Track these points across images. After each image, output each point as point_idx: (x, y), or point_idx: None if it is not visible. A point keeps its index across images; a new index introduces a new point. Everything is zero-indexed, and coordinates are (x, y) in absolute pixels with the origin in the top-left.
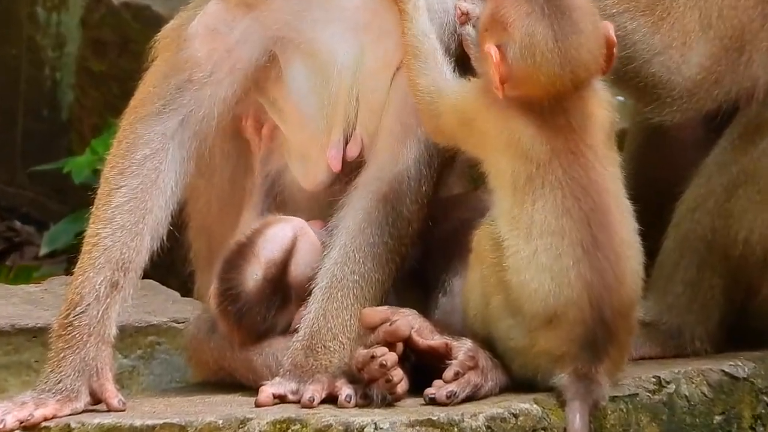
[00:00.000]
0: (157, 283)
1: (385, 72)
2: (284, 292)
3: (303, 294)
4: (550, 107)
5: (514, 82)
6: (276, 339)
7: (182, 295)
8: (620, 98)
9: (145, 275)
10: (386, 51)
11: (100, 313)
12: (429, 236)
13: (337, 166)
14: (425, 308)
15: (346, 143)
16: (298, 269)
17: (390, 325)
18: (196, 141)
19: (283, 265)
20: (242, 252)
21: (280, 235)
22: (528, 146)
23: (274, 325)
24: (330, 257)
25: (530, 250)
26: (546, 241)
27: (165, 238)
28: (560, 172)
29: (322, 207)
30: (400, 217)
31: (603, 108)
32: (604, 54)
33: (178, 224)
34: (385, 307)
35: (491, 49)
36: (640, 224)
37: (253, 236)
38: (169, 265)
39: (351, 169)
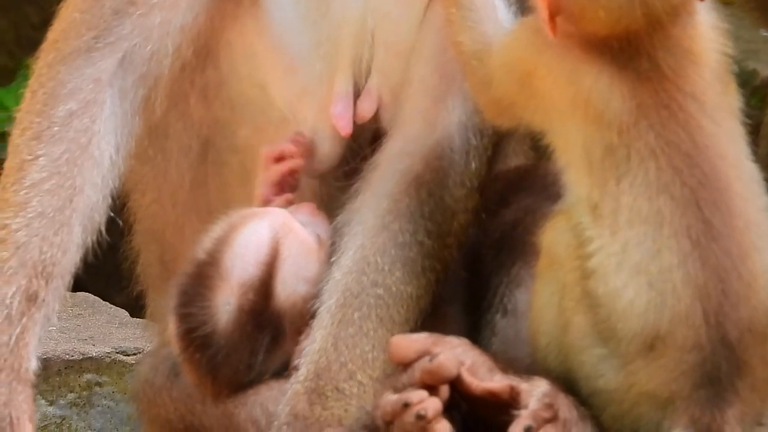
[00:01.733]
0: (96, 298)
1: None
2: (273, 323)
3: (303, 320)
4: (627, 48)
5: (569, 19)
6: (266, 384)
7: (132, 315)
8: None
9: (79, 286)
10: None
11: (13, 339)
12: (481, 233)
13: (346, 128)
14: (479, 335)
15: (357, 99)
16: (286, 287)
17: (431, 360)
18: (143, 89)
19: (264, 286)
20: (204, 275)
21: (253, 241)
22: (602, 104)
23: (264, 371)
24: (341, 265)
25: (618, 243)
26: (639, 231)
27: (104, 230)
28: (651, 137)
29: (328, 195)
30: (440, 207)
31: (707, 40)
32: None
33: (123, 209)
34: (424, 335)
35: None
36: None
37: (215, 250)
38: (112, 272)
39: (368, 138)
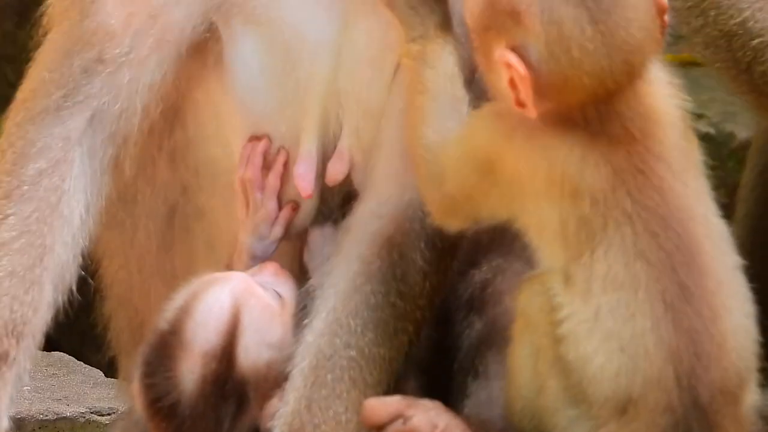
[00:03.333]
0: (71, 358)
1: (383, 58)
2: (237, 391)
3: (268, 385)
4: (599, 114)
5: (547, 94)
6: None
7: (106, 375)
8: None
9: (52, 345)
10: (385, 26)
11: None
12: (451, 293)
13: (307, 188)
14: (452, 398)
15: (326, 161)
16: (249, 354)
17: (404, 422)
18: (112, 148)
19: (226, 355)
20: (167, 345)
21: (214, 310)
22: (577, 176)
23: None
24: (314, 327)
25: (590, 310)
26: (612, 297)
27: (75, 289)
28: (628, 203)
29: (300, 263)
30: (412, 269)
31: (666, 96)
32: (659, 25)
33: (95, 269)
34: (397, 397)
35: (506, 55)
36: (760, 265)
37: (177, 320)
38: (85, 331)
39: (338, 200)
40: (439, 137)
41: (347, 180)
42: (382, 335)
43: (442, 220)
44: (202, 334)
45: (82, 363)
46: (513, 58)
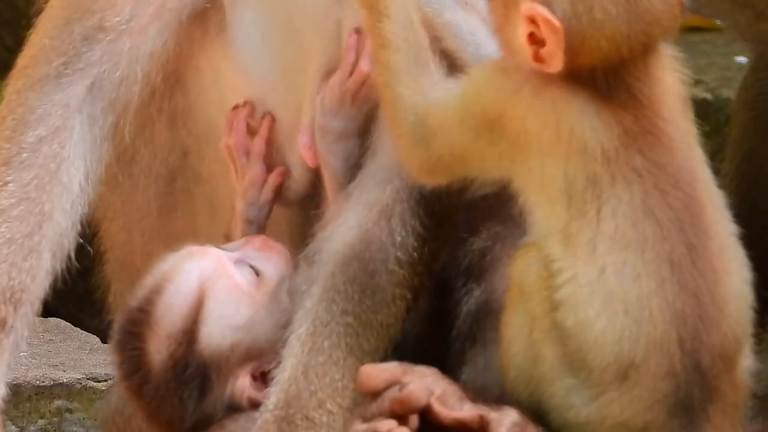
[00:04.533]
0: (68, 324)
1: None
2: (199, 374)
3: (230, 367)
4: (607, 79)
5: (566, 51)
6: (232, 417)
7: (103, 341)
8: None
9: (49, 311)
10: None
11: None
12: (450, 261)
13: (313, 158)
14: (449, 364)
15: None
16: (212, 338)
17: (400, 389)
18: (112, 116)
19: (189, 338)
20: (136, 322)
21: (182, 291)
22: (587, 133)
23: (209, 415)
24: (311, 293)
25: (593, 272)
26: (617, 257)
27: (73, 255)
28: (638, 160)
29: (299, 224)
30: (410, 236)
31: (672, 71)
32: (678, 2)
33: (92, 235)
34: (393, 364)
35: (535, 8)
36: (748, 236)
37: (148, 299)
38: (82, 297)
39: None
40: (419, 97)
41: None
42: (379, 302)
43: (422, 178)
44: (169, 315)
45: (78, 329)
46: (545, 11)
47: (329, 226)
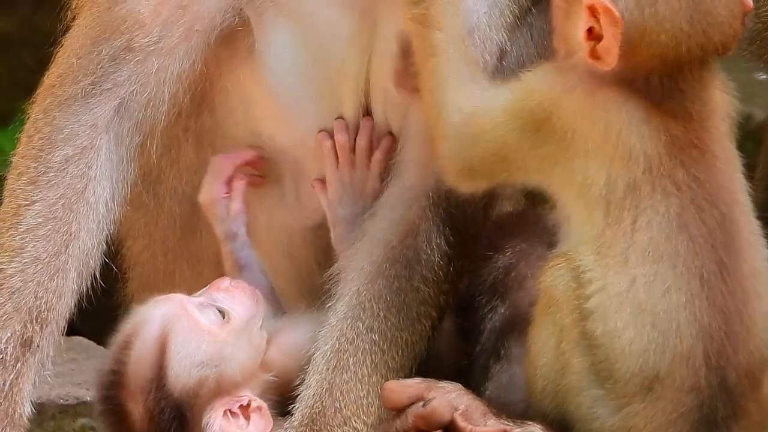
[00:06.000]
0: (91, 342)
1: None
2: (177, 414)
3: (202, 401)
4: (662, 84)
5: (623, 47)
6: None
7: None
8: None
9: (73, 330)
10: None
11: (7, 384)
12: (475, 278)
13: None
14: (473, 381)
15: None
16: (179, 380)
17: (424, 405)
18: (138, 136)
19: (160, 385)
20: (111, 386)
21: (147, 342)
22: (634, 138)
23: None
24: (337, 311)
25: (624, 283)
26: (649, 269)
27: (98, 275)
28: (680, 173)
29: (326, 242)
30: (436, 254)
31: (723, 91)
32: (741, 17)
33: (115, 253)
34: (417, 380)
35: (599, 1)
36: None
37: (118, 360)
38: (106, 315)
39: None
40: (468, 102)
41: None
42: (404, 320)
43: (460, 182)
44: (140, 369)
45: (101, 347)
46: (607, 1)
47: (355, 244)
